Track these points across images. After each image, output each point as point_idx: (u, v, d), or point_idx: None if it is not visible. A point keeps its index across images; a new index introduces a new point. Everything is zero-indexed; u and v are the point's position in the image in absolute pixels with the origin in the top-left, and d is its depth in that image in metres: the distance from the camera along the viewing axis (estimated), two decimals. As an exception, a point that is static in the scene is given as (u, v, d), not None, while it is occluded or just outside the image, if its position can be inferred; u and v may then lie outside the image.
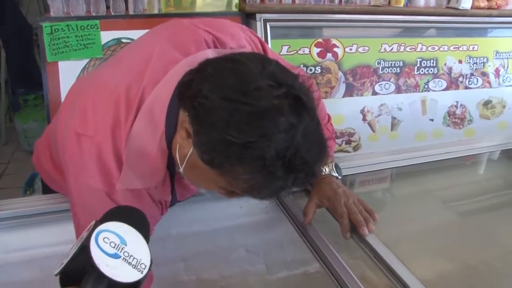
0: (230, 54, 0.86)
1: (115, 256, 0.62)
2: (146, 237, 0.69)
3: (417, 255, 1.23)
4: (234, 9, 2.23)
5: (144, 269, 0.64)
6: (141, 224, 0.71)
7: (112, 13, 2.11)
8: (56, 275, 0.64)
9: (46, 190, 1.30)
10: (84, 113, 0.93)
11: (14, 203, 1.21)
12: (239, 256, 1.33)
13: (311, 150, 0.79)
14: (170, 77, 0.90)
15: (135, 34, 2.13)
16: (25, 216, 1.17)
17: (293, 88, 0.78)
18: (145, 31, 2.13)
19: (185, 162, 0.86)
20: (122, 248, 0.63)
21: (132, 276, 0.62)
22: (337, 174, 1.24)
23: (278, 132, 0.74)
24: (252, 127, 0.74)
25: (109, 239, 0.63)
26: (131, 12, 2.12)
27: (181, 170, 0.90)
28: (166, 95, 0.88)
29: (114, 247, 0.62)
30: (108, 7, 2.13)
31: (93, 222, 0.66)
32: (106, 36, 2.09)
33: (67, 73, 2.07)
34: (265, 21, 2.16)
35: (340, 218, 1.13)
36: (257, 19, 2.17)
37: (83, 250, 0.62)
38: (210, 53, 0.94)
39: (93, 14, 2.09)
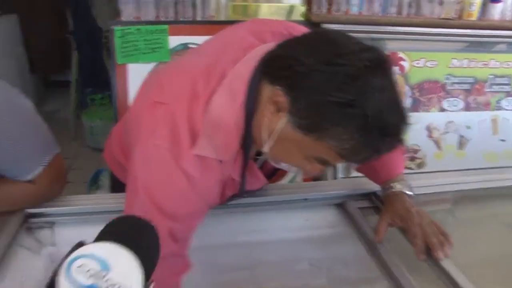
0: (315, 30, 0.92)
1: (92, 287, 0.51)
2: (147, 252, 0.59)
3: (492, 282, 1.18)
4: (299, 18, 2.24)
5: None
6: (140, 239, 0.61)
7: (180, 19, 2.16)
8: None
9: (115, 184, 1.32)
10: (162, 86, 0.97)
11: (85, 199, 1.25)
12: (302, 269, 1.31)
13: (400, 113, 0.83)
14: (249, 58, 0.93)
15: (202, 40, 2.16)
16: (92, 213, 1.20)
17: (380, 53, 0.83)
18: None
19: (272, 137, 0.88)
20: (104, 276, 0.52)
21: None
22: (410, 192, 1.21)
23: (374, 91, 0.78)
24: (352, 87, 0.78)
25: (86, 266, 0.52)
26: (199, 18, 2.15)
27: (265, 149, 0.91)
28: (245, 73, 0.91)
29: (92, 276, 0.52)
30: (176, 13, 2.18)
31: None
32: (174, 41, 2.12)
33: (135, 75, 2.10)
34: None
35: (414, 239, 1.10)
36: (323, 29, 2.17)
37: (52, 286, 0.52)
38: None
39: (162, 19, 2.13)
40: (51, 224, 1.20)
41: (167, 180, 0.88)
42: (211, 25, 2.16)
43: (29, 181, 1.11)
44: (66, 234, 1.20)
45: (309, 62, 0.81)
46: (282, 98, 0.84)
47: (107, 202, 1.23)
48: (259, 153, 1.04)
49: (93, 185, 2.62)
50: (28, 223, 1.18)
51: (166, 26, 2.11)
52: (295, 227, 1.30)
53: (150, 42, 2.11)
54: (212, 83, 0.92)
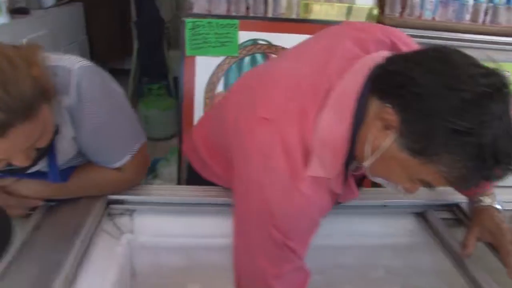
0: (432, 47, 0.86)
1: None
2: None
3: None
4: (370, 20, 2.18)
5: None
6: None
7: (251, 14, 2.14)
8: None
9: (192, 177, 1.30)
10: (267, 100, 0.94)
11: (164, 189, 1.24)
12: (377, 276, 1.27)
13: None
14: (356, 71, 0.90)
15: (272, 36, 2.13)
16: (170, 204, 1.20)
17: (501, 76, 0.78)
18: (281, 35, 2.17)
19: (376, 154, 0.85)
20: None
21: None
22: (500, 207, 1.16)
23: (494, 119, 0.74)
24: (472, 114, 0.74)
25: None
26: (269, 14, 2.12)
27: (366, 164, 0.88)
28: (354, 88, 0.87)
29: None
30: (247, 8, 2.16)
31: None
32: (243, 36, 2.10)
33: (203, 67, 2.10)
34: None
35: (507, 257, 1.03)
36: (395, 33, 2.10)
37: None
38: (387, 55, 0.92)
39: (233, 13, 2.13)
40: (131, 212, 1.20)
41: (284, 202, 0.87)
42: (281, 23, 2.13)
43: (117, 169, 1.11)
44: (144, 223, 1.20)
45: (425, 84, 0.77)
46: (392, 116, 0.81)
47: (185, 194, 1.22)
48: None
49: (150, 173, 2.64)
50: (109, 209, 1.18)
51: (237, 21, 2.10)
52: (373, 233, 1.26)
53: (220, 36, 2.10)
54: (319, 97, 0.89)
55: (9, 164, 0.90)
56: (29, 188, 1.08)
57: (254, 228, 0.93)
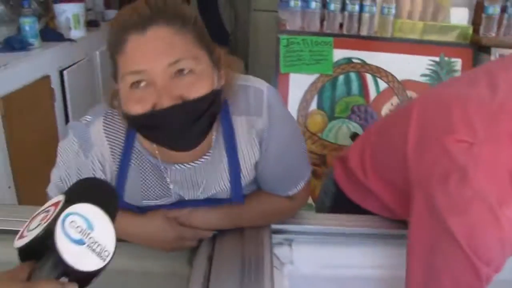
0: None
1: (80, 242, 0.56)
2: (114, 219, 0.63)
3: None
4: (461, 40, 2.14)
5: (107, 257, 0.58)
6: (111, 205, 0.65)
7: (345, 32, 2.11)
8: (17, 249, 0.59)
9: (339, 203, 1.25)
10: (466, 123, 0.90)
11: (322, 218, 1.20)
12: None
13: None
14: None
15: (365, 55, 2.09)
16: (329, 234, 1.16)
17: None
18: (375, 53, 2.12)
19: None
20: (88, 234, 0.57)
21: (93, 264, 0.57)
22: None
23: None
24: None
25: (76, 223, 0.57)
26: (363, 33, 2.08)
27: None
28: None
29: (80, 232, 0.57)
30: (341, 26, 2.12)
31: (62, 199, 0.60)
32: (337, 54, 2.06)
33: (296, 85, 2.06)
34: (501, 56, 2.04)
35: None
36: (491, 54, 2.05)
37: (48, 232, 0.56)
38: None
39: (327, 31, 2.10)
40: (289, 242, 1.15)
41: (493, 229, 0.81)
42: (375, 41, 2.09)
43: (288, 197, 1.06)
44: (304, 253, 1.15)
45: None
46: None
47: (344, 224, 1.17)
48: None
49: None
50: (271, 239, 1.13)
51: (331, 39, 2.05)
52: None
53: (314, 54, 2.06)
54: None
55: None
56: (201, 219, 1.03)
57: (449, 257, 0.86)
